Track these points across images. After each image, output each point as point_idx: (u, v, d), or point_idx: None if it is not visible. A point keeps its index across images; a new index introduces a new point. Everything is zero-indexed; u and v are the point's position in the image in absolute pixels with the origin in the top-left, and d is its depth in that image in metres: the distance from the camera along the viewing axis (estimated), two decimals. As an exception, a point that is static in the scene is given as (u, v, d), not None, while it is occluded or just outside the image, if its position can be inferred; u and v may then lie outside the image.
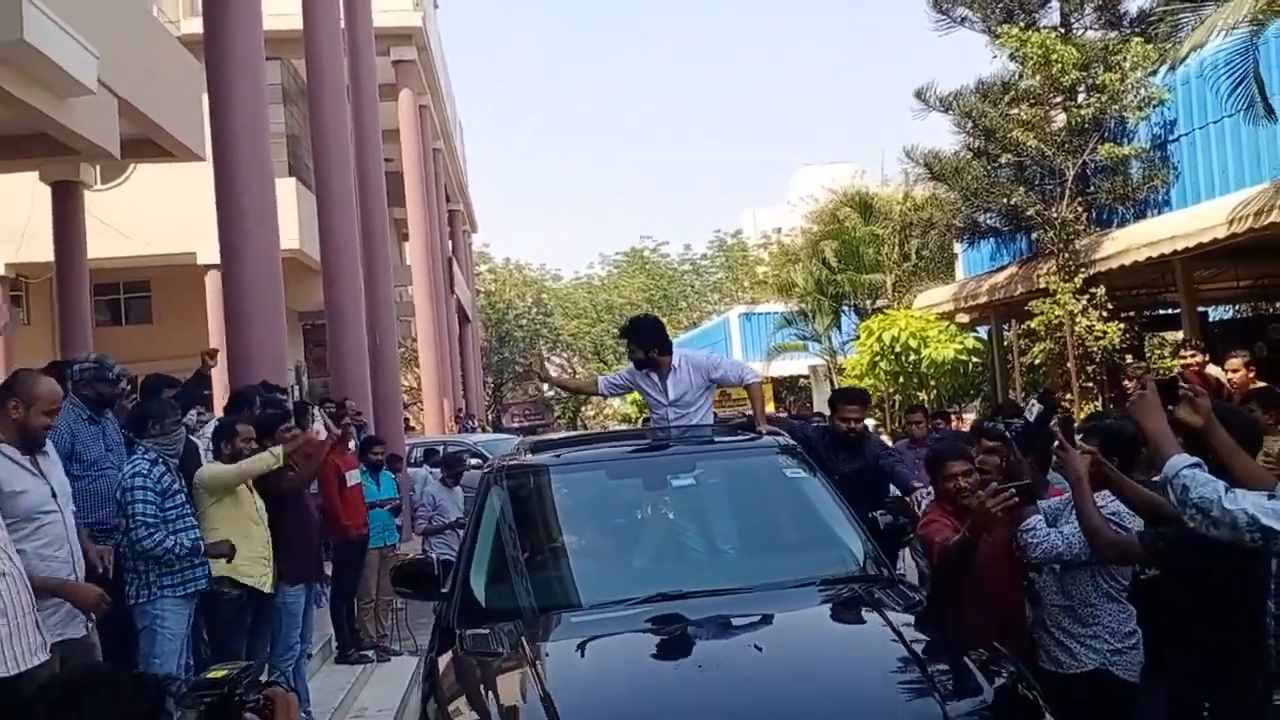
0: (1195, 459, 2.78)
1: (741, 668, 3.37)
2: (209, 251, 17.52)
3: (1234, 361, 6.83)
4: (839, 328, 21.92)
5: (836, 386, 20.42)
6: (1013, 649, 3.56)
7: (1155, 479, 3.02)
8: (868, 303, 20.83)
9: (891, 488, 5.78)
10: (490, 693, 3.40)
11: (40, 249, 14.09)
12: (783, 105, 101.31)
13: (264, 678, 1.91)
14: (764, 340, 24.90)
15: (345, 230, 13.97)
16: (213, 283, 18.22)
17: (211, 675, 1.72)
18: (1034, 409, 3.90)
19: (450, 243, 31.86)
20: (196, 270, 18.20)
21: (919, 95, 15.10)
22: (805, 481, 4.56)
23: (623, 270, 50.58)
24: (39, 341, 17.33)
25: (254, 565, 5.21)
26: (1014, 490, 3.56)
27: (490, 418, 34.58)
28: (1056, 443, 3.56)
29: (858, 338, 18.67)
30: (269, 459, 5.28)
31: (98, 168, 13.51)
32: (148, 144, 11.28)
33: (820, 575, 4.07)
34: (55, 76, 7.46)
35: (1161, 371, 14.62)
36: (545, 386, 49.43)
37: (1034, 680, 3.33)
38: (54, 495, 3.82)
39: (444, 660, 3.69)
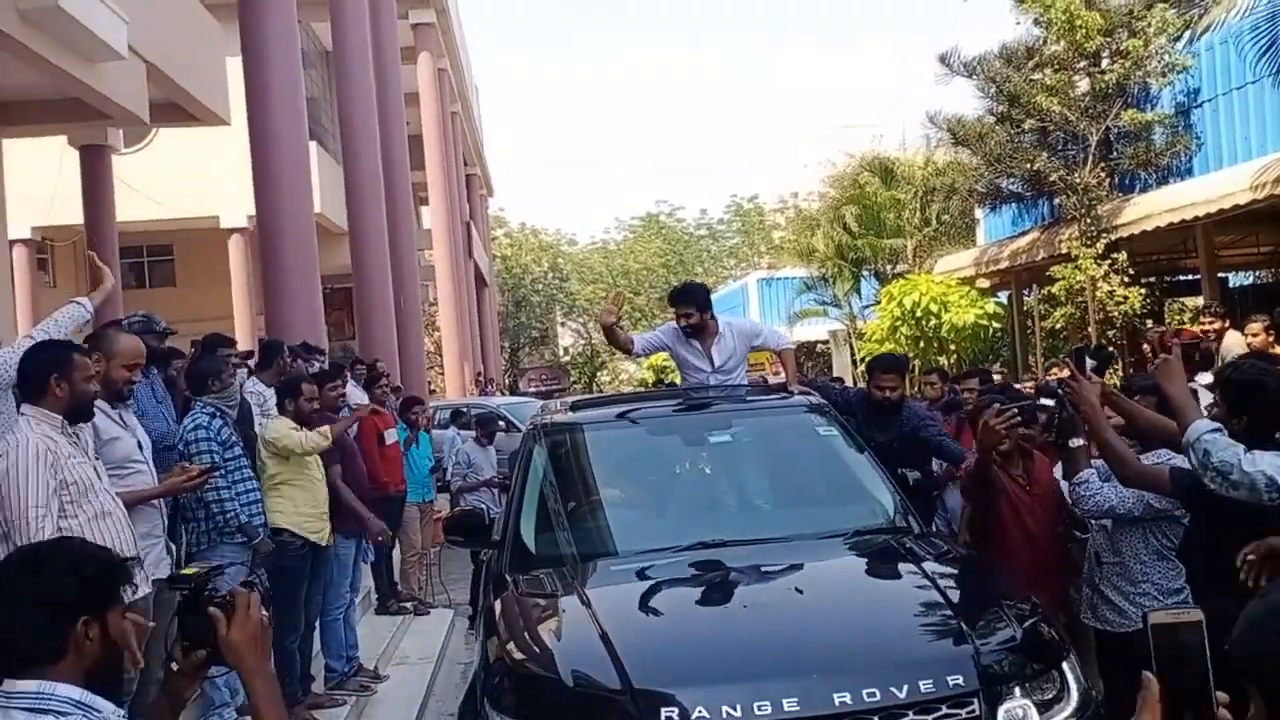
0: (1216, 424, 2.89)
1: (784, 609, 3.56)
2: (232, 215, 17.84)
3: (1254, 326, 6.92)
4: (859, 293, 21.98)
5: (856, 352, 20.57)
6: (1048, 600, 3.72)
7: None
8: (888, 268, 20.87)
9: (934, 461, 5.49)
10: (548, 629, 3.58)
11: (66, 213, 14.29)
12: (802, 70, 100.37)
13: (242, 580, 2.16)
14: (784, 305, 24.97)
15: (371, 194, 14.13)
16: (236, 246, 18.47)
17: (185, 572, 1.88)
18: (1088, 363, 4.01)
19: (468, 206, 31.96)
20: (220, 234, 18.42)
21: (943, 60, 15.10)
22: (836, 439, 4.70)
23: (639, 235, 50.54)
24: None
25: (314, 520, 5.43)
26: (1017, 410, 3.74)
27: (508, 382, 34.83)
28: (1068, 373, 3.63)
29: (878, 303, 18.77)
30: (320, 440, 5.45)
31: (122, 132, 13.68)
32: (173, 108, 11.41)
33: (854, 527, 4.24)
34: (87, 41, 7.60)
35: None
36: (561, 351, 49.72)
37: (1060, 623, 3.49)
38: (140, 447, 4.05)
39: (500, 603, 3.84)
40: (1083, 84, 14.01)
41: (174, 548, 4.51)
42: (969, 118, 15.11)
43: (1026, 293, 16.35)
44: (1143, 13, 13.43)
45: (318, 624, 5.75)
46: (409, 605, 7.99)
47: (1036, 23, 14.09)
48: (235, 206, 17.15)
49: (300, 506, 5.36)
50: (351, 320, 17.01)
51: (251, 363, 6.66)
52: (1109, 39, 13.48)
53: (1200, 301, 13.43)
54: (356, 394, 8.31)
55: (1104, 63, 13.81)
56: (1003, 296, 18.02)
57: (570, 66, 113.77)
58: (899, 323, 16.42)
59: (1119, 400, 3.71)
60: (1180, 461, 3.44)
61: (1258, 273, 17.65)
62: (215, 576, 1.88)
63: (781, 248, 32.83)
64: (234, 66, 10.35)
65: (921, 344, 16.36)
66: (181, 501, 4.90)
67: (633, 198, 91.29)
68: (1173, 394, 3.06)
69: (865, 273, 21.64)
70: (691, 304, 5.47)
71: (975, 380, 6.67)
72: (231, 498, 4.88)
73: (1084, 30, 13.21)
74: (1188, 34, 12.73)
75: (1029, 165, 13.84)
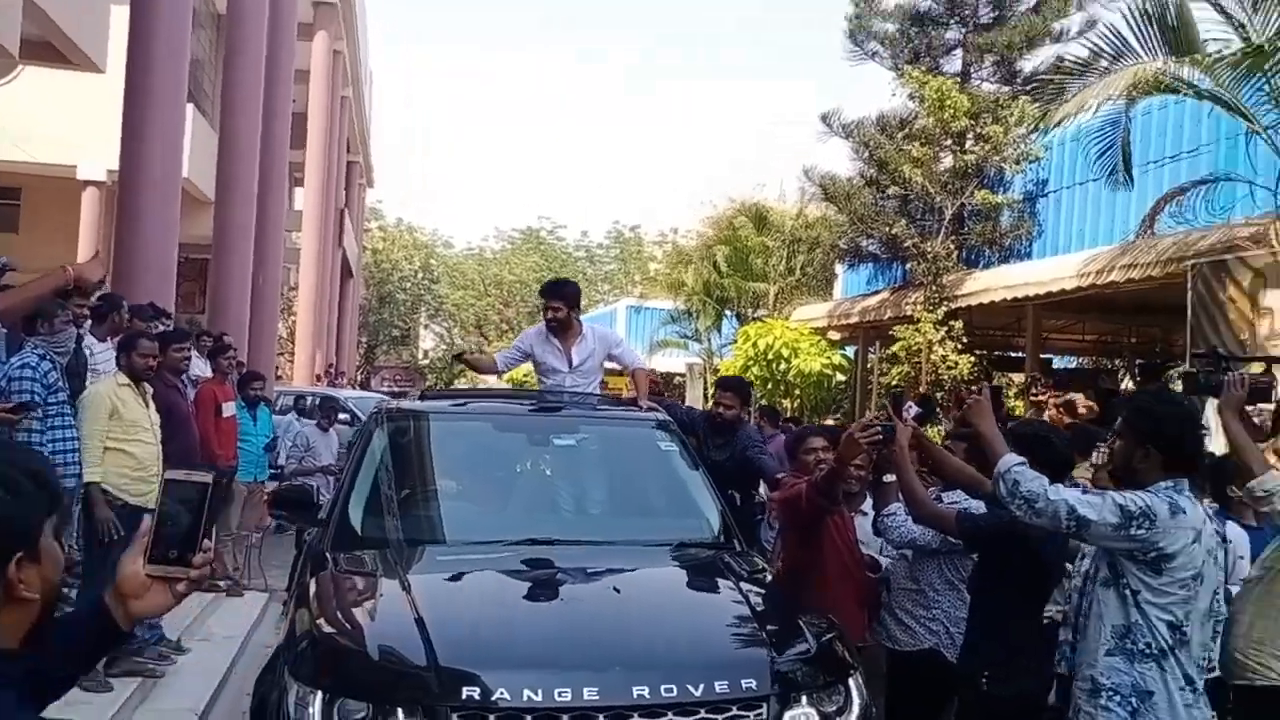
0: (1022, 458, 3.16)
1: (598, 606, 3.72)
2: (90, 167, 17.01)
3: (1080, 398, 7.84)
4: (719, 330, 22.60)
5: (709, 387, 21.12)
6: (852, 625, 3.95)
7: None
8: (750, 310, 21.56)
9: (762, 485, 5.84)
10: (362, 607, 3.60)
11: (-98, 140, 13.37)
12: (699, 104, 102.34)
13: None
14: (649, 334, 25.42)
15: (245, 165, 13.78)
16: (90, 200, 17.59)
17: None
18: (912, 409, 4.40)
19: (345, 194, 31.32)
20: (74, 185, 17.50)
21: (824, 119, 15.88)
22: (675, 455, 4.89)
23: (516, 247, 50.42)
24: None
25: (136, 484, 5.30)
26: (881, 428, 3.88)
27: (359, 377, 34.05)
28: (884, 409, 4.02)
29: (735, 341, 19.36)
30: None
31: (-15, 64, 12.94)
32: (46, 47, 10.89)
33: (679, 538, 4.44)
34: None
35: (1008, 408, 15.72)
36: (420, 353, 48.92)
37: (851, 644, 3.70)
38: None
39: (316, 580, 3.81)
40: (946, 160, 14.95)
41: None
42: (841, 177, 15.91)
43: (871, 349, 17.22)
44: (1008, 102, 14.48)
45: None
46: (221, 584, 7.79)
47: (911, 97, 14.99)
48: (95, 159, 16.38)
49: (121, 467, 5.24)
50: (203, 293, 16.38)
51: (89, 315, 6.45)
52: (974, 122, 14.45)
53: (1021, 377, 14.48)
54: (199, 364, 8.12)
55: (967, 143, 14.79)
56: (850, 351, 18.88)
57: (470, 69, 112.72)
58: (751, 362, 17.01)
59: (926, 444, 4.09)
60: (974, 505, 3.85)
61: (1080, 358, 19.05)
62: None
63: (655, 279, 33.40)
64: (118, 14, 9.99)
65: (769, 385, 16.97)
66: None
67: (515, 210, 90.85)
68: (983, 429, 3.32)
69: (728, 312, 22.28)
70: (561, 299, 5.62)
71: (764, 416, 6.97)
72: (42, 444, 4.75)
73: (952, 110, 14.13)
74: (1043, 128, 13.77)
75: (888, 229, 14.68)
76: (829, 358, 17.28)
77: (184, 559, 1.43)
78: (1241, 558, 4.31)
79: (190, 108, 17.49)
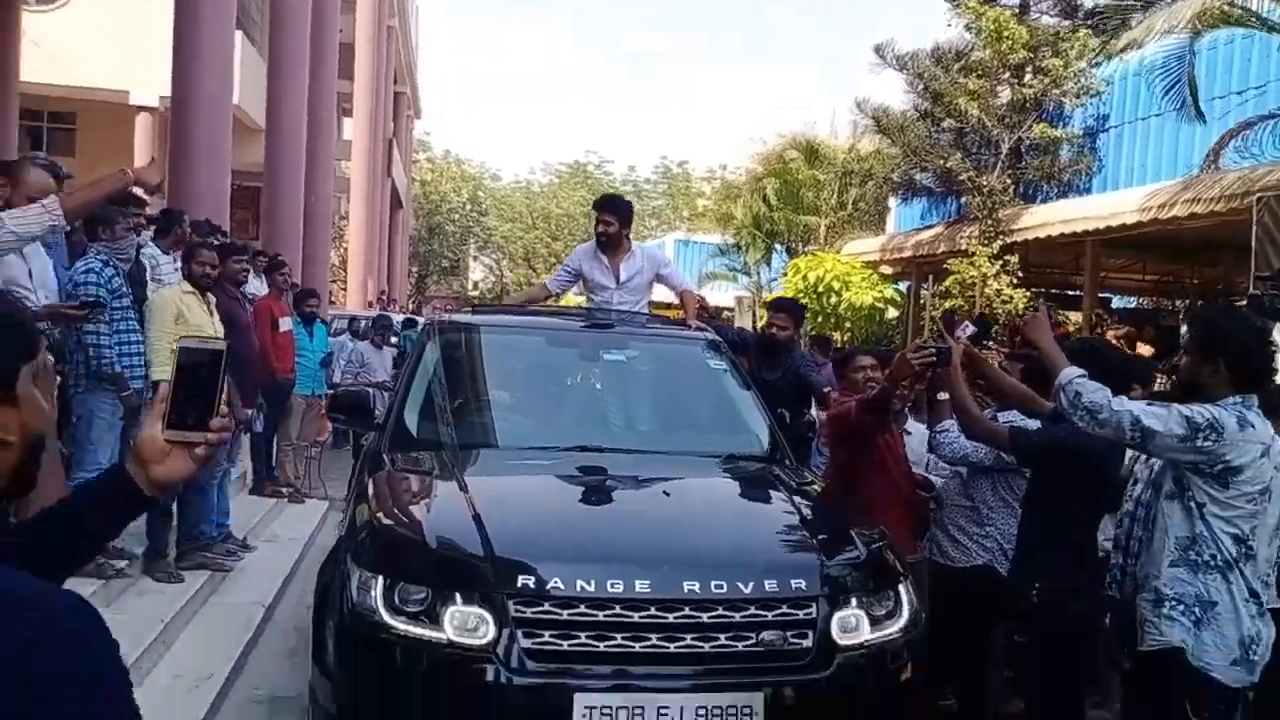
0: (1082, 370, 3.14)
1: (649, 508, 3.80)
2: (143, 93, 17.21)
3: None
4: (769, 264, 22.41)
5: (758, 319, 21.07)
6: (901, 540, 3.96)
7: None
8: (800, 245, 21.37)
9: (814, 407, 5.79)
10: (420, 501, 3.69)
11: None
12: (752, 41, 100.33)
13: None
14: (698, 268, 25.34)
15: (294, 91, 13.85)
16: (143, 125, 17.84)
17: None
18: (968, 329, 4.34)
19: (392, 124, 31.40)
20: (127, 110, 17.74)
21: (878, 50, 15.55)
22: (724, 373, 4.92)
23: (564, 181, 50.28)
24: (-46, 156, 16.77)
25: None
26: (935, 350, 3.88)
27: (411, 306, 34.46)
28: (938, 331, 3.98)
29: (785, 275, 19.23)
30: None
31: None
32: (96, -29, 11.02)
33: (728, 451, 4.47)
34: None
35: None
36: (470, 284, 49.29)
37: (902, 555, 3.74)
38: (30, 275, 4.09)
39: (374, 478, 3.91)
40: (1004, 93, 14.60)
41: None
42: (894, 110, 15.60)
43: (925, 286, 17.04)
44: (1068, 34, 14.06)
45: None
46: (284, 490, 8.07)
47: (968, 28, 14.60)
48: (147, 85, 16.56)
49: None
50: (256, 221, 16.59)
51: (154, 229, 6.61)
52: (1033, 54, 14.06)
53: (1079, 315, 14.26)
54: (255, 283, 8.30)
55: (1026, 76, 14.40)
56: (903, 286, 18.68)
57: (513, 13, 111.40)
58: (801, 295, 16.84)
59: (980, 362, 4.06)
60: (1028, 425, 3.82)
61: (1140, 298, 18.69)
62: None
63: (704, 215, 33.14)
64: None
65: (819, 319, 16.88)
66: (58, 338, 4.85)
67: (560, 147, 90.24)
68: (1043, 346, 3.29)
69: (778, 246, 22.08)
70: (613, 213, 5.66)
71: (816, 344, 6.68)
72: (110, 345, 4.91)
73: (1010, 42, 13.76)
74: (1106, 56, 13.38)
75: (942, 162, 14.42)
76: (881, 291, 17.12)
77: (202, 424, 1.43)
78: None
79: (239, 35, 17.63)
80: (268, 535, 7.01)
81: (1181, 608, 2.99)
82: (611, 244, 5.63)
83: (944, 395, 4.12)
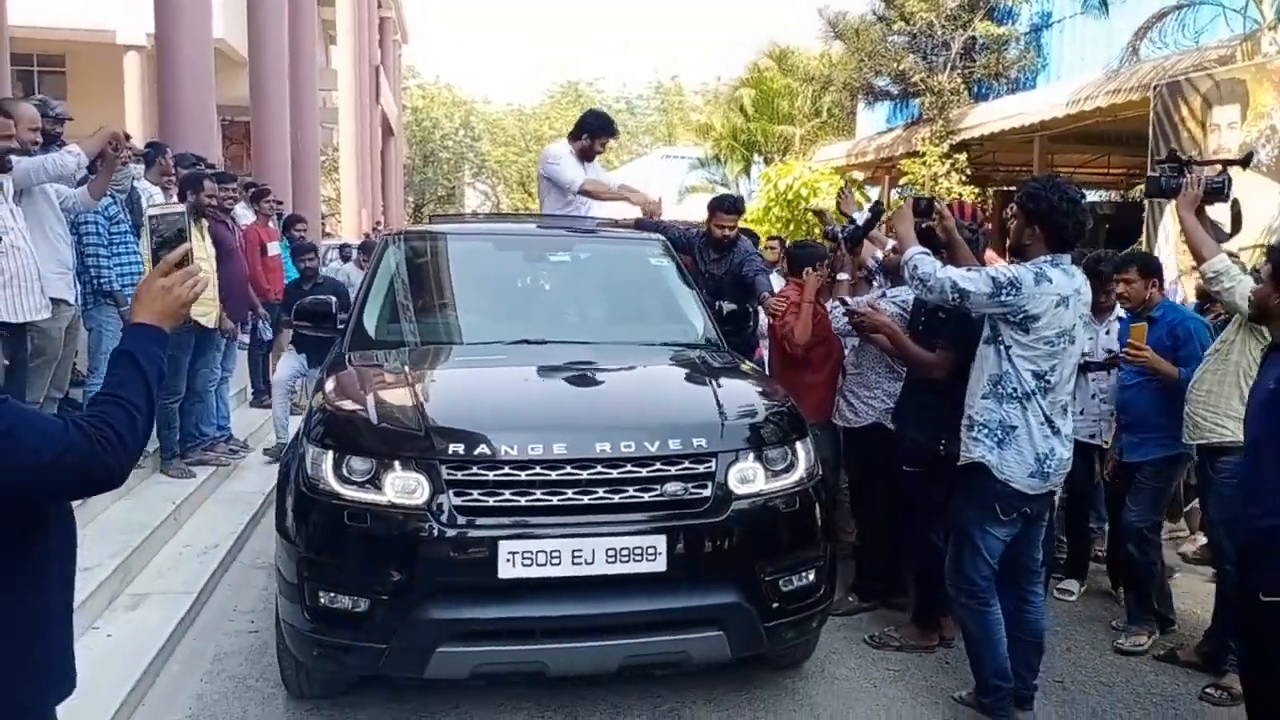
0: (925, 249, 3.79)
1: (576, 386, 4.22)
2: (129, 32, 17.63)
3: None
4: (748, 175, 22.86)
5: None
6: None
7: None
8: (778, 155, 21.80)
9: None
10: (370, 387, 4.11)
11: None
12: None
13: None
14: (679, 181, 25.83)
15: (275, 21, 14.24)
16: (132, 64, 18.24)
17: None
18: (864, 215, 5.04)
19: (379, 51, 31.47)
20: (115, 50, 18.10)
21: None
22: (666, 269, 5.25)
23: (555, 101, 50.15)
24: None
25: (201, 304, 6.26)
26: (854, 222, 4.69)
27: (408, 234, 34.78)
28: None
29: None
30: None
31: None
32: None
33: (664, 340, 4.81)
34: None
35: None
36: (467, 210, 49.56)
37: (803, 418, 4.17)
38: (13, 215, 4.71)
39: (331, 374, 4.20)
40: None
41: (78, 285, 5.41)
42: (853, 15, 16.02)
43: (897, 189, 17.63)
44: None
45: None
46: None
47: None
48: (133, 23, 16.96)
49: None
50: (249, 155, 17.12)
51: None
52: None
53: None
54: (244, 212, 9.02)
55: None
56: (875, 192, 19.22)
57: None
58: (772, 204, 17.51)
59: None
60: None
61: (1103, 192, 19.18)
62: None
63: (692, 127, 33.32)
64: None
65: (791, 226, 17.50)
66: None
67: (555, 65, 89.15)
68: (899, 231, 3.94)
69: (757, 157, 22.52)
70: (601, 129, 6.33)
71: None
72: (110, 266, 5.67)
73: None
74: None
75: (896, 65, 14.90)
76: (847, 196, 17.65)
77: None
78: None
79: (220, -33, 17.92)
80: (266, 441, 7.80)
81: (985, 431, 3.65)
82: (588, 157, 6.33)
83: (843, 275, 5.01)
